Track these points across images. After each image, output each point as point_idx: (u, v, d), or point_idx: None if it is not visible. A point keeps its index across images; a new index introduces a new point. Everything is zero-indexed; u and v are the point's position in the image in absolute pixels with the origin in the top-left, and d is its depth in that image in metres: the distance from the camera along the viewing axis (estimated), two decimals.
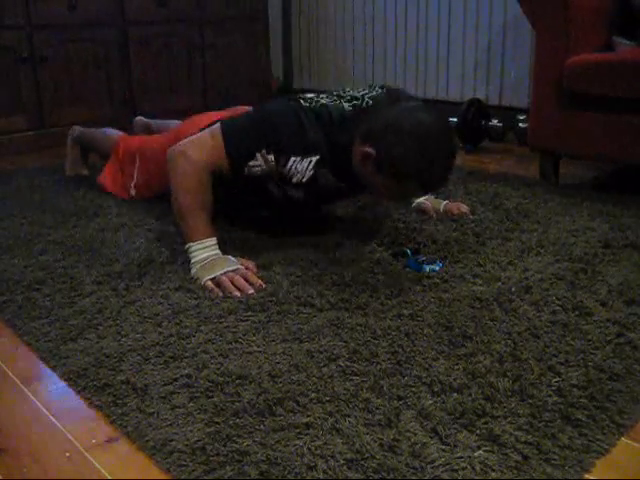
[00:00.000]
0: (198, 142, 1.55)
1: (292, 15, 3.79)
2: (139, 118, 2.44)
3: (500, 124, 2.81)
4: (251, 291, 1.40)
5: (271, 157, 1.51)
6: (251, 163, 1.52)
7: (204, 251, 1.49)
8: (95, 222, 1.89)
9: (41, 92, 2.89)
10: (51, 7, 2.85)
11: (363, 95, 1.58)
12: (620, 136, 2.00)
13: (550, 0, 2.07)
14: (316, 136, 1.51)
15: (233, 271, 1.44)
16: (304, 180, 1.54)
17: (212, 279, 1.43)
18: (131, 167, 2.05)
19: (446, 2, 3.07)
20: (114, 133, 2.24)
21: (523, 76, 2.84)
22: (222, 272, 1.44)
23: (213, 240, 1.51)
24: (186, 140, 1.57)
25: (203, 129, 1.68)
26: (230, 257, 1.50)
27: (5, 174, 2.45)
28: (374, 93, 1.59)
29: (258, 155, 1.51)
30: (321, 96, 1.61)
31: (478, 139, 2.84)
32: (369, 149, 1.42)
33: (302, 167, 1.52)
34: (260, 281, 1.44)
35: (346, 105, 1.56)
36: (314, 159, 1.52)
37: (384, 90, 1.62)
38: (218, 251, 1.50)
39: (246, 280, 1.43)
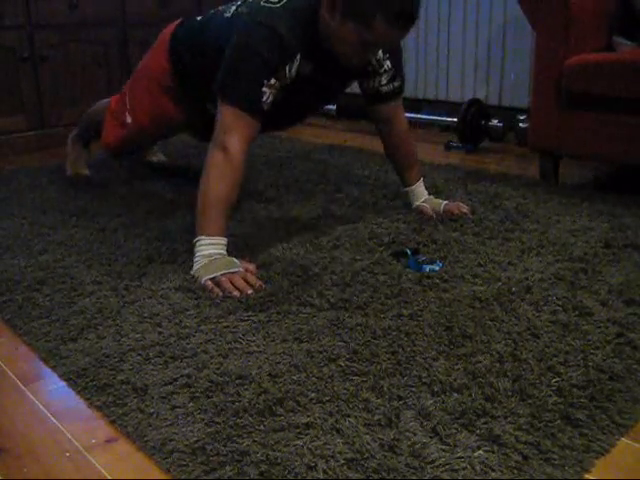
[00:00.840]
0: (223, 125, 1.53)
1: None
2: None
3: (500, 124, 2.81)
4: (250, 291, 1.40)
5: (273, 81, 1.53)
6: (264, 98, 1.53)
7: (212, 247, 1.48)
8: (95, 222, 1.89)
9: (41, 92, 2.88)
10: (51, 7, 2.84)
11: None
12: (620, 136, 2.00)
13: (550, 0, 2.07)
14: (293, 39, 1.52)
15: (233, 272, 1.44)
16: (289, 81, 1.57)
17: (211, 279, 1.43)
18: (123, 104, 2.06)
19: (446, 2, 3.07)
20: (104, 101, 2.25)
21: (523, 76, 2.84)
22: (222, 273, 1.44)
23: (224, 241, 1.50)
24: (216, 129, 1.55)
25: (179, 29, 1.87)
26: (234, 259, 1.49)
27: (5, 174, 2.45)
28: None
29: (264, 88, 1.52)
30: None
31: (478, 139, 2.84)
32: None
33: (292, 69, 1.56)
34: (260, 282, 1.44)
35: None
36: (298, 57, 1.55)
37: None
38: (224, 252, 1.50)
39: (246, 281, 1.43)
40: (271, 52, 1.51)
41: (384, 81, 1.78)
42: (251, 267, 1.50)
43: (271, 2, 1.56)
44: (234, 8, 1.72)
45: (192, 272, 1.48)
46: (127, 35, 3.11)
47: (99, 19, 3.00)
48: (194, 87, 1.88)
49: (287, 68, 1.55)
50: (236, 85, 1.54)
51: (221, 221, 1.50)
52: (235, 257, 1.51)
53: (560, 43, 2.08)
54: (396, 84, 1.80)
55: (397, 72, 1.79)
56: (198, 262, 1.48)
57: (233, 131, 1.52)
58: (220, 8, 1.82)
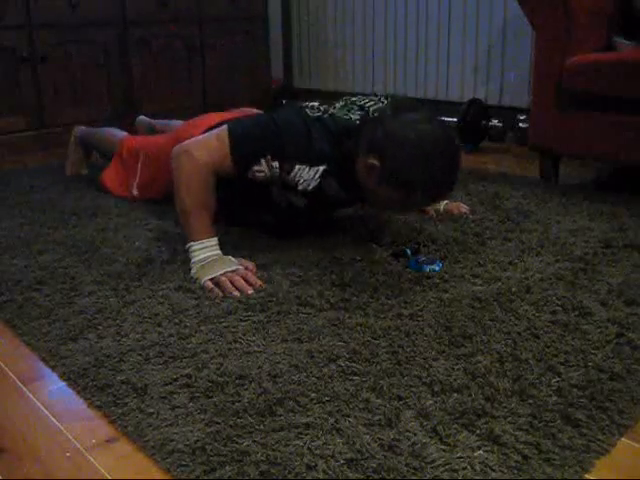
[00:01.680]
0: (203, 142, 1.55)
1: (292, 15, 3.79)
2: (142, 117, 2.44)
3: (500, 124, 2.81)
4: (250, 291, 1.40)
5: (275, 164, 1.51)
6: (255, 168, 1.52)
7: (204, 251, 1.49)
8: (95, 222, 1.89)
9: (41, 92, 2.89)
10: (51, 7, 2.84)
11: (370, 106, 1.60)
12: (620, 136, 2.00)
13: (550, 0, 2.07)
14: (323, 146, 1.52)
15: (232, 271, 1.44)
16: (309, 188, 1.55)
17: (211, 279, 1.43)
18: (134, 166, 2.05)
19: (446, 2, 3.07)
20: (118, 133, 2.24)
21: (523, 76, 2.84)
22: (221, 272, 1.44)
23: (214, 240, 1.51)
24: (191, 140, 1.57)
25: (206, 130, 1.69)
26: (230, 257, 1.50)
27: (5, 174, 2.45)
28: (380, 105, 1.60)
29: (262, 161, 1.51)
30: (328, 106, 1.62)
31: (478, 139, 2.84)
32: (373, 161, 1.42)
33: (309, 176, 1.53)
34: (259, 281, 1.44)
35: (353, 116, 1.58)
36: (321, 168, 1.53)
37: (389, 100, 1.63)
38: (219, 251, 1.50)
39: (245, 280, 1.43)
40: (290, 143, 1.50)
41: None
42: (251, 266, 1.50)
43: (311, 107, 1.58)
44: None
45: (192, 275, 1.48)
46: (127, 35, 3.11)
47: (99, 19, 3.00)
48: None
49: (301, 170, 1.52)
50: (246, 131, 1.54)
51: (204, 224, 1.50)
52: (235, 257, 1.51)
53: (560, 43, 2.08)
54: None
55: None
56: (195, 266, 1.48)
57: (210, 153, 1.51)
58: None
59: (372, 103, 1.61)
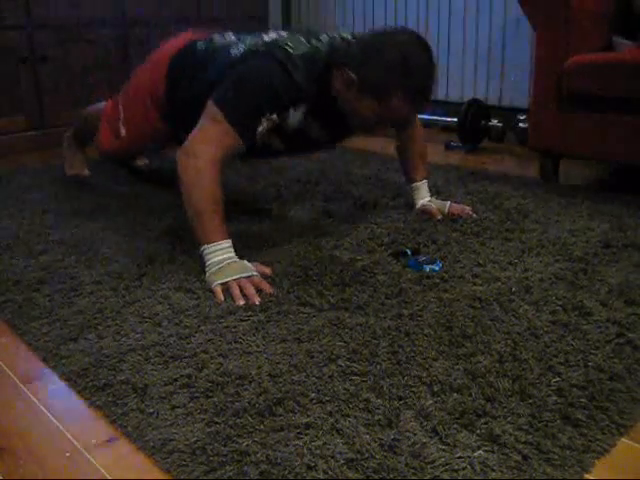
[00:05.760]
0: (202, 135, 1.52)
1: (292, 15, 3.79)
2: None
3: (500, 124, 2.81)
4: (258, 301, 1.36)
5: (274, 116, 1.53)
6: (259, 129, 1.53)
7: (219, 254, 1.45)
8: (95, 222, 1.89)
9: (41, 92, 2.88)
10: (51, 7, 2.84)
11: (339, 34, 1.62)
12: (620, 136, 2.00)
13: (550, 1, 2.07)
14: (304, 84, 1.52)
15: (246, 277, 1.42)
16: (292, 129, 1.57)
17: (222, 284, 1.41)
18: (117, 112, 2.04)
19: (446, 2, 3.07)
20: (101, 103, 2.24)
21: (523, 76, 2.84)
22: (234, 278, 1.41)
23: (228, 242, 1.47)
24: (189, 139, 1.54)
25: (173, 57, 1.78)
26: (245, 262, 1.47)
27: (5, 174, 2.45)
28: (348, 35, 1.62)
29: (263, 120, 1.52)
30: (295, 38, 1.59)
31: (478, 139, 2.84)
32: (349, 74, 1.46)
33: (295, 118, 1.56)
34: (271, 289, 1.41)
35: (324, 43, 1.59)
36: (303, 108, 1.55)
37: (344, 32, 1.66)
38: (233, 254, 1.47)
39: (258, 287, 1.40)
40: (284, 92, 1.51)
41: None
42: (268, 271, 1.48)
43: (289, 46, 1.56)
44: (243, 47, 1.66)
45: (205, 278, 1.45)
46: (127, 35, 3.11)
47: (99, 19, 3.00)
48: (180, 111, 1.83)
49: (290, 112, 1.54)
50: (238, 106, 1.52)
51: (218, 223, 1.47)
52: (246, 259, 1.48)
53: (560, 43, 2.08)
54: None
55: None
56: (209, 269, 1.45)
57: (214, 144, 1.50)
58: (225, 40, 1.77)
59: (342, 34, 1.63)
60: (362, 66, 1.46)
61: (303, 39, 1.59)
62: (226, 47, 1.71)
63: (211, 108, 1.53)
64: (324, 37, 1.62)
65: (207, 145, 1.49)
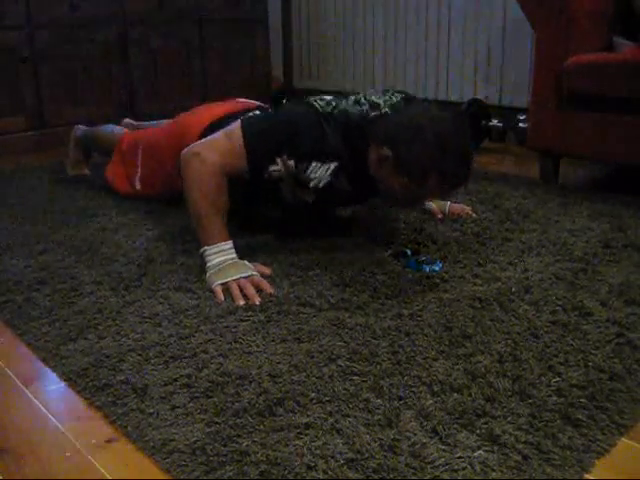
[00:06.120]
0: (215, 144, 1.52)
1: (292, 15, 3.79)
2: (126, 120, 2.43)
3: (500, 124, 2.81)
4: (258, 301, 1.36)
5: (292, 162, 1.50)
6: (271, 168, 1.51)
7: (219, 255, 1.46)
8: (95, 222, 1.89)
9: (41, 92, 2.88)
10: (51, 7, 2.84)
11: (384, 101, 1.58)
12: (620, 136, 2.00)
13: (550, 0, 2.07)
14: (336, 142, 1.50)
15: (246, 277, 1.42)
16: (320, 185, 1.54)
17: (222, 284, 1.41)
18: (134, 159, 2.02)
19: (446, 2, 3.07)
20: (117, 130, 2.23)
21: (523, 76, 2.84)
22: (234, 278, 1.41)
23: (229, 244, 1.48)
24: (201, 142, 1.54)
25: (210, 123, 1.68)
26: (245, 262, 1.47)
27: (5, 174, 2.45)
28: (393, 100, 1.59)
29: (279, 160, 1.50)
30: (339, 100, 1.59)
31: (478, 139, 2.84)
32: (386, 151, 1.42)
33: (321, 173, 1.52)
34: (271, 289, 1.41)
35: (364, 110, 1.55)
36: (333, 165, 1.52)
37: (402, 96, 1.62)
38: (234, 255, 1.47)
39: (258, 287, 1.41)
40: (308, 143, 1.49)
41: None
42: (268, 271, 1.49)
43: (323, 101, 1.55)
44: None
45: (205, 278, 1.46)
46: (127, 35, 3.11)
47: (99, 19, 3.00)
48: None
49: (315, 167, 1.51)
50: (260, 132, 1.52)
51: (219, 225, 1.48)
52: (246, 260, 1.49)
53: (560, 43, 2.08)
54: None
55: None
56: (209, 270, 1.45)
57: (222, 156, 1.49)
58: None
59: (386, 98, 1.59)
60: (399, 145, 1.41)
61: (349, 102, 1.58)
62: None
63: (235, 126, 1.53)
64: (365, 101, 1.59)
65: (215, 154, 1.49)
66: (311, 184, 1.54)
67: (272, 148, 1.50)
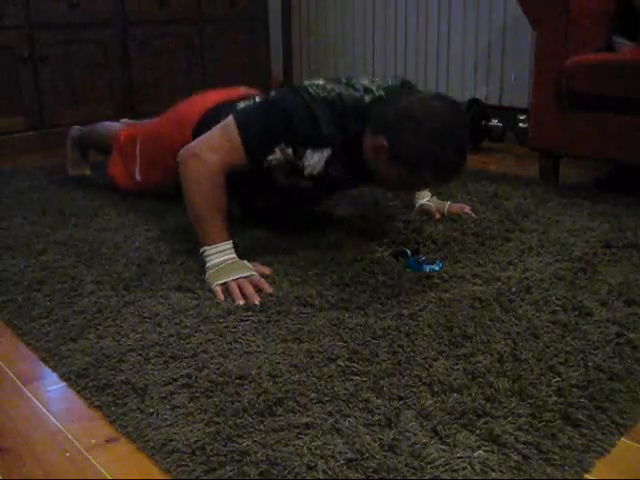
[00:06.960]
0: (212, 142, 1.52)
1: (292, 14, 3.79)
2: (125, 120, 2.43)
3: (500, 124, 2.81)
4: (257, 301, 1.36)
5: (290, 150, 1.50)
6: (270, 157, 1.51)
7: (219, 255, 1.46)
8: (95, 222, 1.89)
9: (41, 92, 2.89)
10: (51, 7, 2.84)
11: (377, 86, 1.56)
12: (620, 136, 2.00)
13: (550, 0, 2.07)
14: (329, 129, 1.49)
15: (245, 277, 1.42)
16: (315, 173, 1.54)
17: (222, 284, 1.41)
18: (133, 152, 2.02)
19: (446, 2, 3.07)
20: (114, 126, 2.23)
21: (523, 76, 2.84)
22: (234, 278, 1.41)
23: (229, 244, 1.48)
24: (198, 141, 1.54)
25: (205, 111, 1.70)
26: (245, 262, 1.47)
27: (5, 174, 2.45)
28: (388, 84, 1.58)
29: (277, 149, 1.50)
30: (332, 84, 1.56)
31: (478, 139, 2.84)
32: (381, 140, 1.41)
33: (315, 160, 1.52)
34: (270, 289, 1.41)
35: (358, 95, 1.54)
36: (326, 153, 1.52)
37: (398, 81, 1.61)
38: (234, 255, 1.47)
39: (258, 287, 1.41)
40: (303, 132, 1.48)
41: None
42: (267, 271, 1.49)
43: (317, 86, 1.53)
44: None
45: (205, 279, 1.46)
46: (127, 35, 3.11)
47: (99, 19, 3.00)
48: None
49: (309, 155, 1.51)
50: (256, 126, 1.51)
51: (219, 225, 1.48)
52: (246, 260, 1.49)
53: (560, 43, 2.08)
54: None
55: None
56: (209, 270, 1.45)
57: (220, 155, 1.49)
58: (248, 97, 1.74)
59: (380, 83, 1.58)
60: (395, 135, 1.40)
61: (340, 85, 1.57)
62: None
63: (229, 122, 1.53)
64: (359, 85, 1.57)
65: (213, 153, 1.49)
66: (306, 171, 1.54)
67: (269, 140, 1.50)
